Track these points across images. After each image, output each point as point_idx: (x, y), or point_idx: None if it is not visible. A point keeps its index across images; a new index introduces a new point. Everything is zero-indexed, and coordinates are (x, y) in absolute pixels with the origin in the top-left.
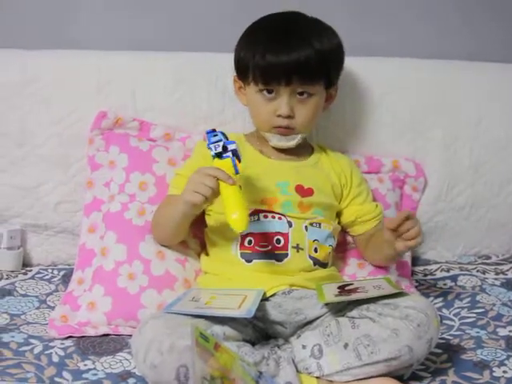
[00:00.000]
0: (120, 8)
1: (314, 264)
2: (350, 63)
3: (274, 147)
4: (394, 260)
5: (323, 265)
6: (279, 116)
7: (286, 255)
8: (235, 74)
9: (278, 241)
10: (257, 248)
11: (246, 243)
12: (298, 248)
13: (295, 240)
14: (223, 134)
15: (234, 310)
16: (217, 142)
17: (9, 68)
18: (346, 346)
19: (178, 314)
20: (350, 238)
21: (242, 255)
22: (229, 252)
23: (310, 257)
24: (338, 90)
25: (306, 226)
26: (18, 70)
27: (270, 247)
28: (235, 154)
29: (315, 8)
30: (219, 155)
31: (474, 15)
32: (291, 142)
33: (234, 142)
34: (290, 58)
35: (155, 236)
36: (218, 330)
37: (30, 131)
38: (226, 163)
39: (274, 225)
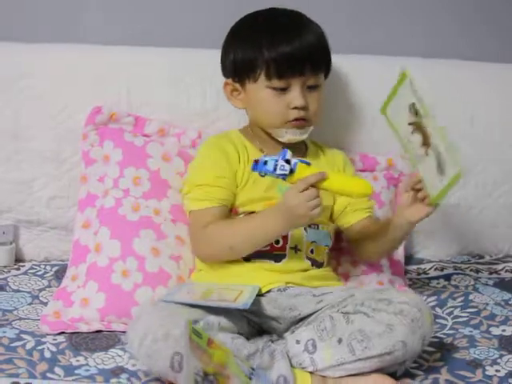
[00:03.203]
0: (117, 3)
1: (312, 265)
2: (344, 61)
3: (281, 142)
4: (400, 243)
5: (319, 264)
6: (295, 108)
7: (284, 256)
8: (227, 78)
9: (277, 241)
10: None
11: None
12: (296, 249)
13: (294, 241)
14: (269, 156)
15: (229, 302)
16: (276, 165)
17: (3, 62)
18: (339, 340)
19: (175, 303)
20: (344, 237)
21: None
22: None
23: (308, 257)
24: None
25: (305, 229)
26: (13, 63)
27: (268, 247)
28: (293, 157)
29: (308, 7)
30: (291, 171)
31: (466, 15)
32: (304, 135)
33: (286, 151)
34: (302, 43)
35: (215, 257)
36: (214, 320)
37: (24, 126)
38: (301, 169)
39: None
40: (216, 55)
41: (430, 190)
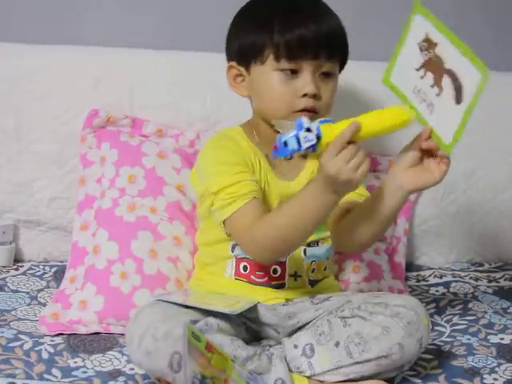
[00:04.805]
0: (119, 6)
1: (313, 285)
2: (349, 65)
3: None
4: (395, 215)
5: (320, 280)
6: (304, 96)
7: (284, 285)
8: (231, 60)
9: (275, 271)
10: (252, 278)
11: (241, 269)
12: (295, 276)
13: (293, 268)
14: (284, 136)
15: (219, 307)
16: (299, 140)
17: (5, 63)
18: (337, 344)
19: (169, 302)
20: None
21: (237, 280)
22: (222, 275)
23: (309, 280)
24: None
25: (304, 250)
26: (15, 65)
27: (266, 278)
28: (308, 125)
29: None
30: (318, 137)
31: (465, 22)
32: None
33: (301, 120)
34: (320, 24)
35: (274, 255)
36: (213, 321)
37: (26, 127)
38: (327, 131)
39: None
40: (217, 58)
41: (445, 138)
